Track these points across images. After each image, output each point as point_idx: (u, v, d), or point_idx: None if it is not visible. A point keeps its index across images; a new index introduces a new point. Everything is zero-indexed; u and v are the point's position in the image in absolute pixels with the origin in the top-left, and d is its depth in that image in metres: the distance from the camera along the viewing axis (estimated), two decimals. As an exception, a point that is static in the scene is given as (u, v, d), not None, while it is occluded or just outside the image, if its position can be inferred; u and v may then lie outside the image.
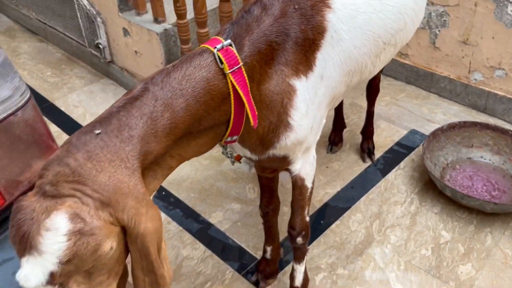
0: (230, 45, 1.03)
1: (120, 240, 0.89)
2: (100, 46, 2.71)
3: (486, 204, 1.84)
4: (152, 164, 0.98)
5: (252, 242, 1.87)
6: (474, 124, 2.17)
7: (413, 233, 1.88)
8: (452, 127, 2.17)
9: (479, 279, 1.70)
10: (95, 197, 0.83)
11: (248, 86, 1.05)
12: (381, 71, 1.99)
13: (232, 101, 1.05)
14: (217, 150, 2.33)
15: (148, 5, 2.46)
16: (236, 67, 1.02)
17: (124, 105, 0.94)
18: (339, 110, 2.24)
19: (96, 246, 0.81)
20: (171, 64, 1.05)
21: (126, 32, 2.53)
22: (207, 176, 2.19)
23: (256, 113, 1.09)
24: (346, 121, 2.31)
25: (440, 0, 2.35)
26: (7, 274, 0.91)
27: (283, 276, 1.75)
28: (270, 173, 1.48)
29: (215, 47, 1.02)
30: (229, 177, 2.19)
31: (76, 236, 0.79)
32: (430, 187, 2.06)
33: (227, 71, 1.01)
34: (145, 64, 2.54)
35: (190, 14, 2.23)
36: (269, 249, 1.70)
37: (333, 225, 1.93)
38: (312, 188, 1.42)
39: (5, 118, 0.82)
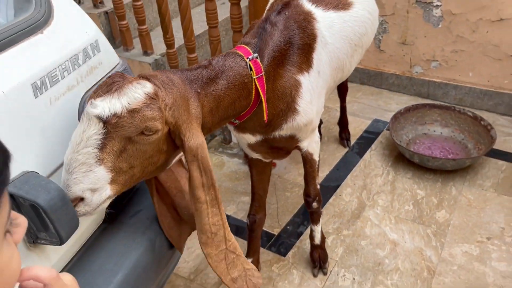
0: (257, 57, 1.37)
1: (162, 140, 1.05)
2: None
3: (446, 162, 2.31)
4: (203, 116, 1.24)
5: (267, 224, 2.19)
6: (424, 106, 2.67)
7: (395, 195, 2.29)
8: (407, 110, 2.65)
9: (453, 219, 2.13)
10: (171, 97, 1.04)
11: (265, 88, 1.38)
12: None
13: (253, 96, 1.37)
14: (215, 158, 2.65)
15: (135, 41, 2.78)
16: (260, 74, 1.35)
17: (187, 69, 1.23)
18: (315, 109, 2.65)
19: (154, 119, 0.99)
20: (214, 56, 1.37)
21: (116, 67, 2.82)
22: (213, 180, 2.49)
23: (267, 95, 1.40)
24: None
25: (379, 12, 2.87)
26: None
27: (300, 243, 2.08)
28: (282, 155, 1.78)
29: (248, 58, 1.34)
30: (233, 177, 2.51)
31: (151, 100, 0.99)
32: (400, 159, 2.51)
33: (254, 76, 1.34)
34: (138, 93, 2.82)
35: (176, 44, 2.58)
36: (249, 261, 1.87)
37: (330, 200, 2.30)
38: (318, 161, 1.77)
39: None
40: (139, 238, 1.07)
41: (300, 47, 1.50)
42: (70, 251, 0.98)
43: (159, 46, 2.75)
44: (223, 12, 3.03)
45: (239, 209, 2.29)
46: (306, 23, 1.55)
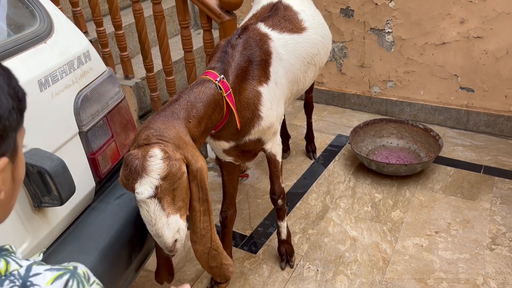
0: (223, 78, 1.64)
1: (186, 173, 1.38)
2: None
3: (399, 167, 2.58)
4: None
5: (240, 226, 2.39)
6: (381, 120, 2.96)
7: (355, 199, 2.53)
8: (366, 124, 2.94)
9: (406, 217, 2.37)
10: (171, 143, 1.33)
11: (234, 101, 1.65)
12: (311, 93, 2.73)
13: (225, 110, 1.63)
14: (192, 172, 2.86)
15: (117, 67, 3.02)
16: (228, 92, 1.62)
17: (171, 103, 1.50)
18: (283, 126, 2.91)
19: (179, 168, 1.29)
20: (189, 85, 1.63)
21: (99, 91, 3.04)
22: (190, 191, 2.70)
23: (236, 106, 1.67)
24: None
25: (339, 38, 3.21)
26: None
27: (270, 242, 2.28)
28: (250, 157, 2.03)
29: (216, 80, 1.60)
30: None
31: (167, 160, 1.27)
32: (360, 168, 2.77)
33: (224, 94, 1.60)
34: (120, 114, 3.04)
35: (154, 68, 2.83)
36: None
37: (297, 204, 2.52)
38: (281, 163, 2.02)
39: (118, 104, 1.34)
40: (123, 214, 1.28)
41: (258, 63, 1.78)
42: (66, 220, 1.18)
43: (139, 71, 2.99)
44: (199, 41, 3.31)
45: (214, 215, 2.49)
46: (262, 42, 1.83)
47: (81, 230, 1.20)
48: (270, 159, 1.97)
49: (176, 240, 1.34)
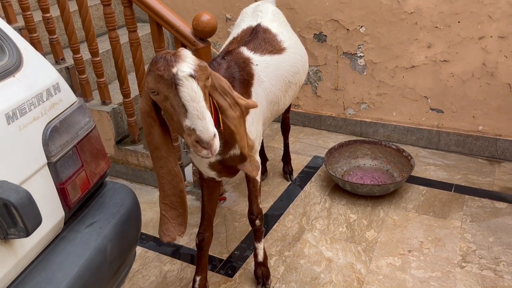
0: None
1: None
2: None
3: (373, 188, 2.63)
4: None
5: (216, 250, 2.40)
6: (355, 141, 3.03)
7: (331, 219, 2.57)
8: (341, 145, 3.00)
9: (380, 237, 2.41)
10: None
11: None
12: (288, 113, 2.79)
13: (213, 110, 1.66)
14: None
15: (94, 92, 3.05)
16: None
17: None
18: (261, 148, 2.95)
19: (207, 67, 1.37)
20: None
21: (76, 116, 3.05)
22: (167, 215, 2.70)
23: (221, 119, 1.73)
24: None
25: (313, 62, 3.30)
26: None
27: (246, 265, 2.30)
28: (231, 173, 2.04)
29: None
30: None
31: (197, 59, 1.37)
32: (336, 189, 2.81)
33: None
34: (97, 140, 3.05)
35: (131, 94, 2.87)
36: (198, 279, 2.06)
37: (274, 226, 2.55)
38: (260, 183, 2.06)
39: (88, 133, 1.37)
40: (93, 242, 1.29)
41: (241, 81, 1.85)
42: (33, 251, 1.19)
43: (116, 97, 3.02)
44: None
45: (191, 239, 2.50)
46: (244, 65, 1.92)
47: (49, 260, 1.21)
48: (250, 177, 2.01)
49: (214, 135, 1.31)
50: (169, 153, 1.48)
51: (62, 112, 1.31)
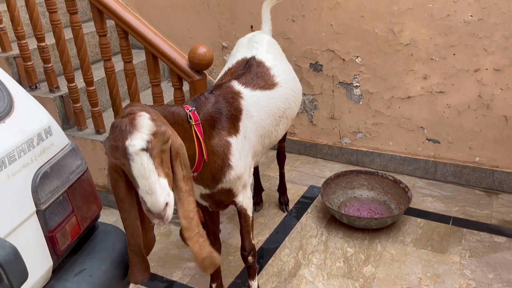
0: (194, 110, 1.70)
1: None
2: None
3: (370, 221, 2.59)
4: None
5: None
6: (352, 172, 3.00)
7: (328, 253, 2.52)
8: (337, 176, 2.97)
9: (378, 273, 2.37)
10: (155, 113, 1.39)
11: (203, 134, 1.70)
12: (283, 142, 2.76)
13: (196, 142, 1.66)
14: (163, 228, 2.82)
15: (88, 121, 3.01)
16: (197, 122, 1.68)
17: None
18: (256, 178, 2.92)
19: (167, 130, 1.34)
20: (165, 105, 1.67)
21: (70, 145, 3.02)
22: (161, 248, 2.65)
23: (206, 150, 1.71)
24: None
25: (309, 91, 3.29)
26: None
27: (241, 302, 2.23)
28: (222, 207, 2.02)
29: (188, 109, 1.68)
30: (179, 244, 2.67)
31: (155, 121, 1.32)
32: (332, 221, 2.77)
33: (193, 123, 1.66)
34: (91, 169, 3.00)
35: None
36: (214, 285, 2.18)
37: (270, 261, 2.49)
38: (252, 218, 2.02)
39: (79, 177, 1.33)
40: (82, 292, 1.24)
41: (228, 116, 1.83)
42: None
43: (109, 127, 2.98)
44: (171, 93, 3.34)
45: (185, 274, 2.44)
46: (233, 100, 1.90)
47: (36, 313, 1.16)
48: (241, 213, 1.98)
49: (167, 204, 1.32)
50: (131, 208, 1.47)
51: (53, 157, 1.27)
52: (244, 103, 1.92)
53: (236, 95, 1.93)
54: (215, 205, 1.96)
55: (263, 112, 2.00)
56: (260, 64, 2.17)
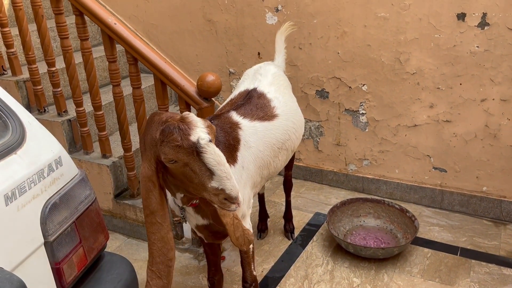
0: None
1: None
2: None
3: (377, 251, 2.56)
4: None
5: (215, 316, 2.30)
6: (358, 200, 2.98)
7: (333, 284, 2.48)
8: (343, 204, 2.95)
9: (385, 305, 2.33)
10: None
11: None
12: (290, 170, 2.75)
13: None
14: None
15: (95, 145, 3.02)
16: None
17: None
18: (262, 205, 2.90)
19: (212, 127, 1.44)
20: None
21: (76, 168, 3.02)
22: (164, 275, 2.61)
23: None
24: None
25: (315, 118, 3.30)
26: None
27: (246, 334, 2.19)
28: (219, 238, 2.00)
29: None
30: (183, 271, 2.64)
31: (203, 120, 1.43)
32: (338, 249, 2.74)
33: None
34: (96, 193, 3.00)
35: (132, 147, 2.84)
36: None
37: (275, 290, 2.46)
38: (253, 248, 2.00)
39: (88, 207, 1.33)
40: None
41: (226, 145, 1.85)
42: None
43: (117, 149, 3.00)
44: (178, 118, 3.37)
45: (189, 302, 2.41)
46: (231, 130, 1.92)
47: None
48: None
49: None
50: (164, 219, 1.48)
51: (62, 187, 1.27)
52: (242, 134, 1.94)
53: (234, 126, 1.95)
54: (212, 236, 1.94)
55: (261, 143, 2.01)
56: (261, 95, 2.19)
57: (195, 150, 1.35)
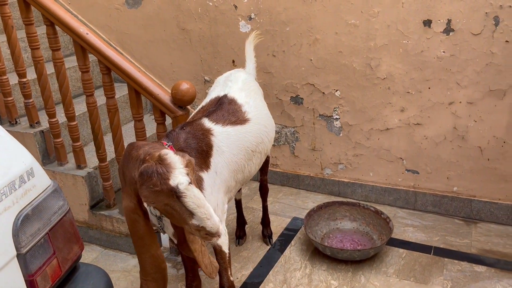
0: (171, 145, 1.75)
1: None
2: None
3: (353, 253, 2.60)
4: None
5: (194, 324, 2.30)
6: (334, 203, 3.03)
7: (312, 287, 2.51)
8: (320, 207, 2.99)
9: (362, 306, 2.37)
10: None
11: None
12: (265, 175, 2.78)
13: None
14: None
15: (69, 155, 2.99)
16: None
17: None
18: (239, 211, 2.91)
19: (191, 159, 1.45)
20: (147, 142, 1.72)
21: (50, 180, 2.97)
22: None
23: None
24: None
25: (291, 123, 3.35)
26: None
27: None
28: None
29: (166, 144, 1.72)
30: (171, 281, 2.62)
31: (177, 153, 1.43)
32: (316, 253, 2.77)
33: None
34: (71, 205, 2.96)
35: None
36: None
37: (254, 296, 2.47)
38: (229, 254, 2.02)
39: (61, 218, 1.31)
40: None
41: (199, 152, 1.87)
42: None
43: (92, 160, 2.97)
44: (153, 126, 3.35)
45: (168, 312, 2.39)
46: (203, 136, 1.94)
47: None
48: (216, 249, 1.98)
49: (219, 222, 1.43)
50: (153, 240, 1.55)
51: (35, 199, 1.27)
52: (214, 140, 1.96)
53: (207, 132, 1.97)
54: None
55: (234, 147, 2.04)
56: (232, 101, 2.22)
57: (175, 194, 1.36)
